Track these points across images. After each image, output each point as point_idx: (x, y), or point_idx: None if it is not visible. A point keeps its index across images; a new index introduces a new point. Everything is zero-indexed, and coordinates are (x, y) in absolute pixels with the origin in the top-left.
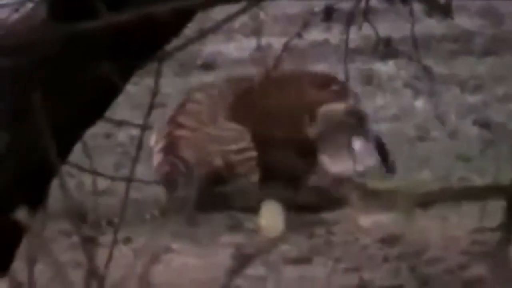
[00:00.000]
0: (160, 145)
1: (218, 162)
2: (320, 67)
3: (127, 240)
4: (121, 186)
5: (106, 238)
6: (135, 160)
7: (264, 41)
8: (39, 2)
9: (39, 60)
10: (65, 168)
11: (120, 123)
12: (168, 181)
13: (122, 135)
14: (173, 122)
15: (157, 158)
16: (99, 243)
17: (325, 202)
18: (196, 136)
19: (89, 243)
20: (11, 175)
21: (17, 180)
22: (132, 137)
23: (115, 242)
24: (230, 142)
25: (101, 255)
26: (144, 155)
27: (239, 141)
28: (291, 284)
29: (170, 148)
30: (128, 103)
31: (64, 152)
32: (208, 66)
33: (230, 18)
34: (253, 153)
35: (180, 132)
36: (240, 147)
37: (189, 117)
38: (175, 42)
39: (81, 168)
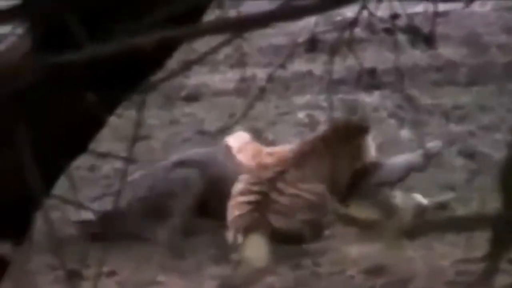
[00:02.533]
0: (250, 198)
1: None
2: (304, 98)
3: (111, 273)
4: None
5: (90, 271)
6: (118, 192)
7: (248, 72)
8: (22, 35)
9: (23, 92)
10: (49, 201)
11: (104, 155)
12: (237, 229)
13: (107, 167)
14: (271, 183)
15: (239, 208)
16: (83, 277)
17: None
18: (287, 205)
19: (73, 277)
20: None
21: (1, 211)
22: (116, 169)
23: (99, 275)
24: (316, 208)
25: None
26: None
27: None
28: None
29: (261, 206)
30: (112, 135)
31: (48, 184)
32: (192, 97)
33: (214, 50)
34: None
35: (275, 196)
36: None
37: (287, 184)
38: (159, 74)
39: (65, 201)
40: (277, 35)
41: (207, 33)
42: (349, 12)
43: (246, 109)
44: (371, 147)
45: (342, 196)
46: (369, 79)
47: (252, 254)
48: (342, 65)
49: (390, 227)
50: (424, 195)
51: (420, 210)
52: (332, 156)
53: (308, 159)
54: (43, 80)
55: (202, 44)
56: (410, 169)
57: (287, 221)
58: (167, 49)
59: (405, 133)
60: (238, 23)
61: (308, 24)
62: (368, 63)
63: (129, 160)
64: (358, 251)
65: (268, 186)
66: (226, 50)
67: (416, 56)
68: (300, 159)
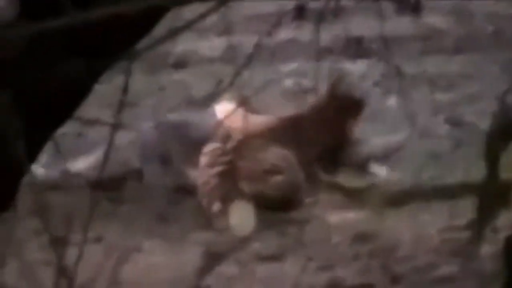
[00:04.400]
0: (218, 169)
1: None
2: (291, 66)
3: (98, 239)
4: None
5: (76, 237)
6: (106, 159)
7: (235, 40)
8: (5, 2)
9: (6, 60)
10: (36, 167)
11: (91, 122)
12: (211, 201)
13: (93, 133)
14: (236, 152)
15: (209, 181)
16: (69, 242)
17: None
18: (255, 170)
19: (59, 242)
20: None
21: None
22: (103, 136)
23: (85, 240)
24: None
25: (71, 254)
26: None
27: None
28: (263, 282)
29: (230, 175)
30: (98, 102)
31: (34, 151)
32: (179, 64)
33: (201, 17)
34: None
35: (242, 164)
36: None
37: (247, 149)
38: (146, 41)
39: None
40: (265, 2)
41: (194, 1)
42: None
43: (233, 77)
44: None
45: (326, 168)
46: (356, 48)
47: (238, 221)
48: (329, 34)
49: (374, 195)
50: (409, 164)
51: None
52: (325, 128)
53: (292, 129)
54: (27, 48)
55: (189, 10)
56: (392, 148)
57: (258, 186)
58: (152, 16)
59: (391, 101)
60: None
61: None
62: (355, 32)
63: (116, 126)
64: (342, 218)
65: (233, 154)
66: (213, 18)
67: (402, 24)
68: (284, 128)
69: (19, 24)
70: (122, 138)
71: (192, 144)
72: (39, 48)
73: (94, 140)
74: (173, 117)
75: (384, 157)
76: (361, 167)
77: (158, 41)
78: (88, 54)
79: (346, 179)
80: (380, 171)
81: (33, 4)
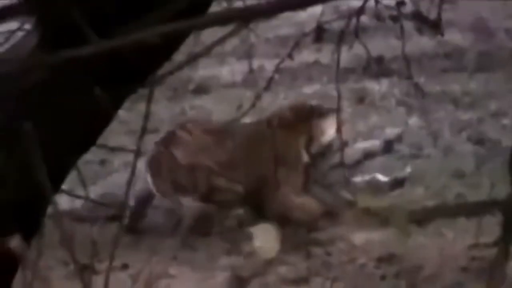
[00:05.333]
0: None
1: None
2: (312, 88)
3: (124, 267)
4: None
5: (102, 265)
6: (129, 185)
7: (256, 63)
8: (29, 31)
9: (31, 88)
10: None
11: (114, 149)
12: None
13: (117, 161)
14: (181, 125)
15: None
16: (95, 271)
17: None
18: (192, 142)
19: (85, 271)
20: (3, 201)
21: (10, 207)
22: (126, 163)
23: (111, 269)
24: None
25: (98, 282)
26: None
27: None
28: None
29: (166, 141)
30: (121, 129)
31: (57, 179)
32: (200, 90)
33: (220, 41)
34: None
35: (182, 134)
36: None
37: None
38: (167, 67)
39: (75, 196)
40: (284, 25)
41: (213, 24)
42: (355, 0)
43: (254, 101)
44: (328, 129)
45: (301, 177)
46: (377, 67)
47: (263, 244)
48: (350, 54)
49: (398, 214)
50: (433, 182)
51: (378, 187)
52: (279, 137)
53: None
54: (51, 76)
55: (209, 36)
56: (367, 154)
57: (189, 157)
58: (174, 41)
59: (413, 120)
60: (243, 13)
61: (314, 13)
62: (375, 51)
63: (139, 152)
64: (367, 238)
65: (177, 126)
66: (233, 42)
67: (423, 43)
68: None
69: (44, 52)
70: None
71: None
72: (64, 77)
73: (117, 167)
74: None
75: (360, 163)
76: (355, 166)
77: (179, 67)
78: (110, 81)
79: (365, 199)
80: (378, 176)
81: (57, 33)
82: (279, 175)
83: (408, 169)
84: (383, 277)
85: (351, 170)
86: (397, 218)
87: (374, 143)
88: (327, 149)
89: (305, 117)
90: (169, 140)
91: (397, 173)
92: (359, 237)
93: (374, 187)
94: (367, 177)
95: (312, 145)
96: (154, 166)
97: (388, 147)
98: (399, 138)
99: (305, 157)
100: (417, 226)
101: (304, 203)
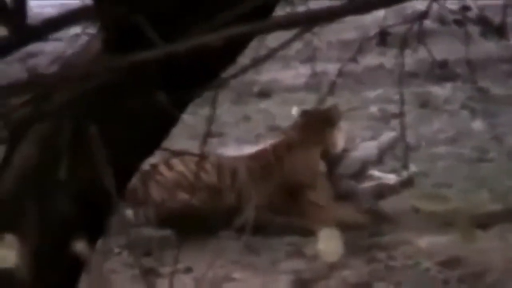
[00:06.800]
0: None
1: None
2: (376, 92)
3: (188, 270)
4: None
5: (166, 269)
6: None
7: (319, 67)
8: (94, 35)
9: (96, 92)
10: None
11: (178, 153)
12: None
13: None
14: (165, 160)
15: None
16: (160, 274)
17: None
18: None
19: (150, 275)
20: (70, 204)
21: (76, 211)
22: None
23: (175, 272)
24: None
25: (163, 286)
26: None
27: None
28: None
29: (145, 176)
30: (186, 133)
31: (122, 182)
32: (264, 93)
33: (284, 45)
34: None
35: (163, 169)
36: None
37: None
38: (231, 71)
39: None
40: (347, 29)
41: (276, 28)
42: (419, 4)
43: (317, 104)
44: (340, 136)
45: (328, 189)
46: (441, 71)
47: (326, 248)
48: (413, 58)
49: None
50: (497, 186)
51: (387, 188)
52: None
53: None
54: (116, 80)
55: (273, 40)
56: (366, 163)
57: (165, 195)
58: (238, 45)
59: (477, 124)
60: (307, 17)
61: (378, 17)
62: (439, 55)
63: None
64: (431, 242)
65: (160, 160)
66: (297, 46)
67: (487, 47)
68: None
69: (111, 57)
70: None
71: None
72: (128, 81)
73: None
74: None
75: (380, 158)
76: (359, 174)
77: (243, 70)
78: (174, 85)
79: (424, 202)
80: (387, 176)
81: (123, 37)
82: (310, 198)
83: (413, 168)
84: (446, 282)
85: (354, 179)
86: (462, 222)
87: (370, 151)
88: (340, 157)
89: (317, 126)
90: (147, 174)
91: (403, 173)
92: (423, 241)
93: (385, 190)
94: (373, 183)
95: (329, 154)
96: (130, 199)
97: (383, 153)
98: (395, 142)
99: (324, 167)
100: (481, 230)
101: (343, 215)
